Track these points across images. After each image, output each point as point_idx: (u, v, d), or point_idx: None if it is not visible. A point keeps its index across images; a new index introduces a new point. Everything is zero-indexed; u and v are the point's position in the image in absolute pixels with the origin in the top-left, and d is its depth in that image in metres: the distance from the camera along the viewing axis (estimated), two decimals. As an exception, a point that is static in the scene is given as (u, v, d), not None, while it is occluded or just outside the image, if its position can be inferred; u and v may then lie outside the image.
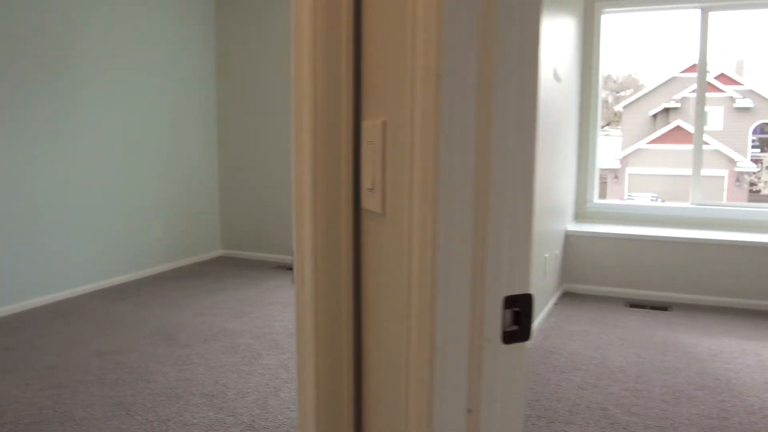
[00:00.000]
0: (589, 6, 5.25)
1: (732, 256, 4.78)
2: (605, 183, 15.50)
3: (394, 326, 1.03)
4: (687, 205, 5.33)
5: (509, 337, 0.93)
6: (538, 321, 4.23)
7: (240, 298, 4.86)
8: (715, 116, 14.67)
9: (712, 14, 5.09)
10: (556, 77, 4.22)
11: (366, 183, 1.09)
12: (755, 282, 4.76)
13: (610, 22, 5.41)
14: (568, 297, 5.05)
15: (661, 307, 4.81)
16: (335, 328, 1.19)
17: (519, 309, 0.93)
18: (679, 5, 5.14)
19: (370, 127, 1.07)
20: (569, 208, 5.22)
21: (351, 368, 1.20)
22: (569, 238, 5.07)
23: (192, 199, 6.01)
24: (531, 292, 0.94)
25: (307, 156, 1.17)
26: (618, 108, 16.31)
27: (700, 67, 5.24)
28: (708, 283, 4.85)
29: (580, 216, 5.51)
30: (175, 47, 5.70)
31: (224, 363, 3.57)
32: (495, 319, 0.91)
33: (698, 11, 5.10)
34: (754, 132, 15.01)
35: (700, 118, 5.28)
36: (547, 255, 4.37)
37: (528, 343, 3.71)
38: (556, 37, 4.23)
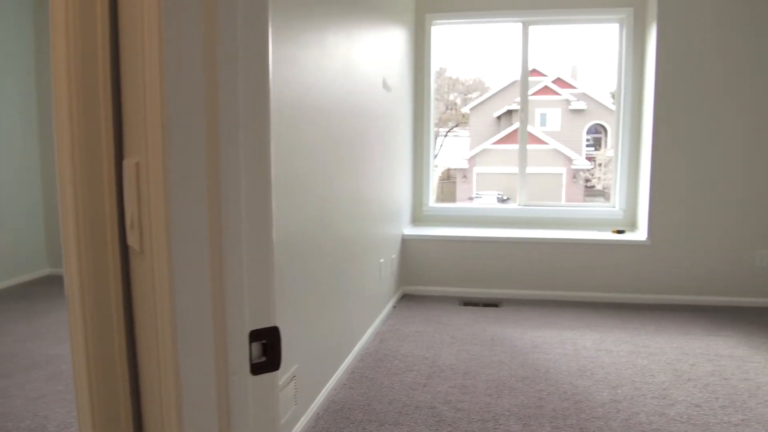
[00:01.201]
0: (420, 18, 5.45)
1: (553, 252, 5.17)
2: (454, 183, 16.07)
3: (150, 362, 1.04)
4: (515, 206, 5.69)
5: (258, 369, 0.97)
6: (375, 324, 4.34)
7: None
8: (554, 118, 15.70)
9: (532, 28, 5.46)
10: (386, 87, 4.35)
11: (127, 220, 1.09)
12: (575, 275, 5.16)
13: (453, 30, 5.67)
14: (407, 299, 5.23)
15: (493, 303, 5.10)
16: (110, 368, 1.17)
17: (266, 341, 0.98)
18: (502, 19, 5.47)
19: (127, 166, 1.07)
20: (406, 213, 5.40)
21: (129, 411, 1.18)
22: (406, 242, 5.25)
23: (11, 212, 5.59)
24: (276, 324, 0.99)
25: (69, 193, 1.15)
26: (465, 110, 16.96)
27: (522, 77, 5.60)
28: (533, 278, 5.20)
29: (417, 219, 5.71)
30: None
31: (46, 393, 3.37)
32: (241, 353, 0.94)
33: (520, 25, 5.46)
34: (588, 132, 16.13)
35: (524, 125, 5.64)
36: (382, 260, 4.50)
37: (365, 348, 3.78)
38: (386, 49, 4.37)
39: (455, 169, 15.96)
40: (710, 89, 4.92)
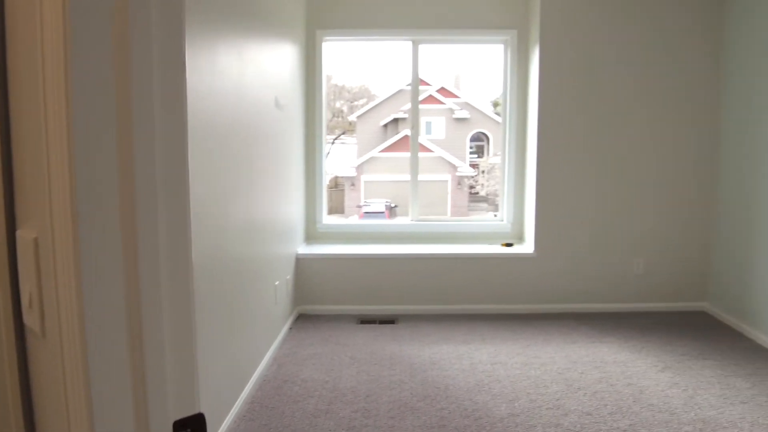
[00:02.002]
0: (311, 34, 5.41)
1: (446, 267, 5.27)
2: (343, 191, 16.09)
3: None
4: (408, 221, 5.75)
5: (183, 458, 0.91)
6: (272, 349, 4.25)
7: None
8: (438, 126, 16.06)
9: (421, 46, 5.56)
10: (278, 106, 4.28)
11: (24, 299, 0.99)
12: (467, 288, 5.29)
13: (334, 45, 5.65)
14: (303, 319, 5.15)
15: (389, 320, 5.12)
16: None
17: (191, 429, 0.92)
18: (392, 38, 5.52)
19: (22, 239, 0.97)
20: (299, 231, 5.33)
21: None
22: (300, 262, 5.18)
23: None
24: (201, 411, 0.93)
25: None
26: (352, 118, 17.01)
27: (413, 94, 5.68)
28: (428, 293, 5.28)
29: (310, 237, 5.65)
30: None
31: None
32: (164, 444, 0.88)
33: (410, 43, 5.54)
34: (471, 140, 16.60)
35: (415, 141, 5.71)
36: (277, 283, 4.41)
37: (264, 375, 3.69)
38: (278, 67, 4.30)
39: (343, 177, 15.97)
40: (588, 107, 5.20)
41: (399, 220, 6.00)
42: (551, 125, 5.19)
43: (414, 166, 5.74)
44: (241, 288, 3.49)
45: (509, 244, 5.52)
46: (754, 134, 4.75)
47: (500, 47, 5.63)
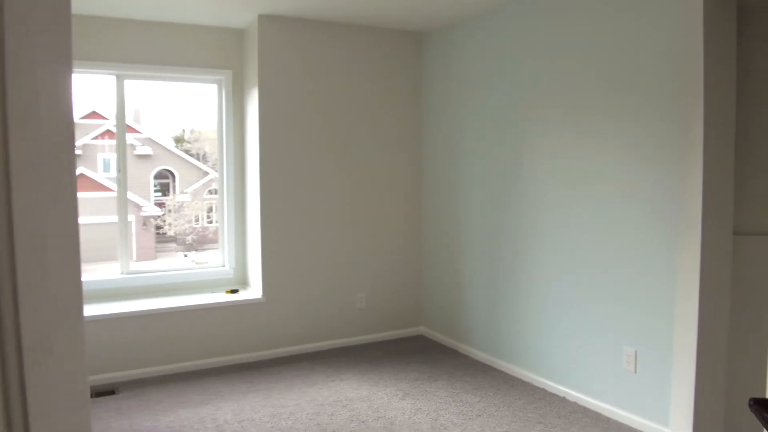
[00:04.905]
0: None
1: (168, 322, 4.81)
2: (11, 240, 14.14)
3: None
4: (118, 276, 5.14)
5: None
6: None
7: None
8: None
9: (127, 82, 5.07)
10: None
11: None
12: (194, 343, 4.90)
13: None
14: None
15: (108, 390, 4.48)
16: None
17: None
18: (93, 71, 4.94)
19: None
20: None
21: None
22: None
23: None
24: None
25: None
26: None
27: (119, 134, 5.17)
28: (149, 353, 4.76)
29: None
30: None
31: None
32: None
33: (113, 78, 5.02)
34: (156, 177, 15.83)
35: (123, 189, 5.18)
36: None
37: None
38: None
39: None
40: (310, 146, 5.24)
41: (107, 274, 5.29)
42: (273, 168, 5.10)
43: (122, 212, 5.18)
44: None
45: (234, 291, 5.28)
46: (447, 170, 5.26)
47: (214, 87, 5.41)
